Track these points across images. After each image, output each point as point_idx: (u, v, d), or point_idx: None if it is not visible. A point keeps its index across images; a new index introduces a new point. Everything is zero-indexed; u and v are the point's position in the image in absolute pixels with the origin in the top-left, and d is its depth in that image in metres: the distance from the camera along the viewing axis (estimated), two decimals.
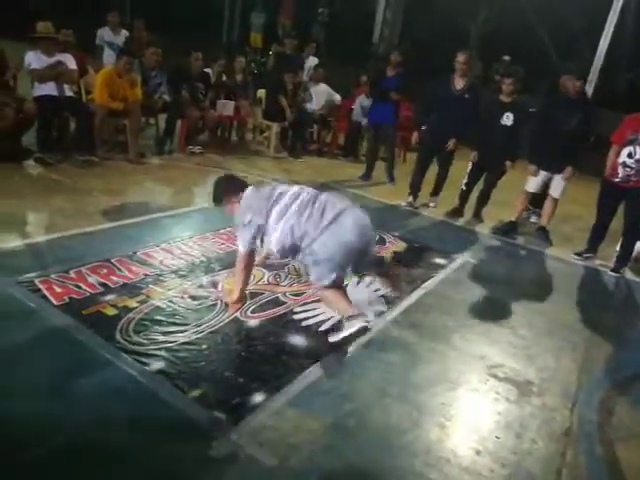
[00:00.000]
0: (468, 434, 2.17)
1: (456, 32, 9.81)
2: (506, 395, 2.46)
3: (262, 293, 3.02)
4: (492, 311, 3.30)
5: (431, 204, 5.39)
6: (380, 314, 2.99)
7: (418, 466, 1.95)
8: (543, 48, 9.85)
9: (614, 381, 2.77)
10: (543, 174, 4.70)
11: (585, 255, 4.48)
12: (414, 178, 5.33)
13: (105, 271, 2.95)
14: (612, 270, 4.30)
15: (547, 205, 4.82)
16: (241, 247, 2.72)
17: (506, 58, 9.37)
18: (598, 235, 4.46)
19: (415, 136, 5.40)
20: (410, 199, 5.33)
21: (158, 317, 2.59)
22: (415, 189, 5.33)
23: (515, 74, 4.85)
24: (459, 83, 4.89)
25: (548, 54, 9.79)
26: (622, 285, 4.19)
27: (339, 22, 11.61)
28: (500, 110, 4.80)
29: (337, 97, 7.38)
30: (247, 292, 2.94)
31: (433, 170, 5.36)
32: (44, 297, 2.59)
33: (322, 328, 2.75)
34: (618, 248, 4.35)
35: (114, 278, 2.89)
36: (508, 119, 4.77)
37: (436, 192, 5.42)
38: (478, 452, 2.07)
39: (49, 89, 4.84)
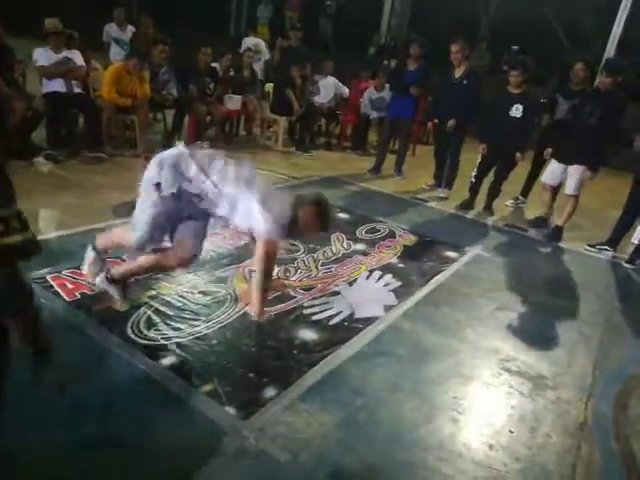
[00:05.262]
0: (481, 428, 2.15)
1: (466, 22, 9.68)
2: (519, 389, 2.43)
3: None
4: (504, 304, 3.26)
5: (441, 194, 5.37)
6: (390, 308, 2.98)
7: (431, 461, 1.93)
8: (556, 38, 9.70)
9: (629, 375, 2.72)
10: (558, 165, 4.60)
11: (599, 247, 4.42)
12: (435, 170, 5.64)
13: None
14: (627, 262, 4.24)
15: (566, 203, 4.64)
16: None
17: (515, 48, 9.26)
18: (624, 228, 4.36)
19: (431, 126, 5.48)
20: (432, 182, 5.65)
21: (169, 312, 2.59)
22: (438, 178, 5.61)
23: (522, 65, 4.76)
24: (458, 72, 5.13)
25: (561, 44, 9.64)
26: (637, 277, 4.13)
27: (347, 14, 11.52)
28: (509, 102, 4.74)
29: (345, 90, 7.33)
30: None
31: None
32: (56, 293, 2.60)
33: (332, 322, 2.74)
34: (633, 240, 4.28)
35: None
36: (517, 111, 4.71)
37: (447, 183, 5.40)
38: (491, 446, 2.05)
39: (57, 86, 4.85)
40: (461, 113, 5.06)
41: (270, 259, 2.46)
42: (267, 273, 2.51)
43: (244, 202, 2.30)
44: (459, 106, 5.01)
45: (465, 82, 5.06)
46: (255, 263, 2.51)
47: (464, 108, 5.03)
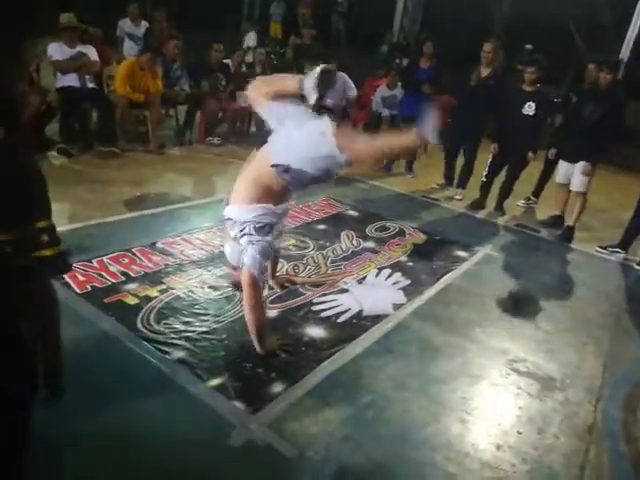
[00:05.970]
0: (489, 428, 2.14)
1: (479, 22, 9.62)
2: (528, 390, 2.42)
3: None
4: (514, 305, 3.25)
5: (456, 196, 5.34)
6: (399, 307, 2.98)
7: (438, 460, 1.93)
8: (570, 38, 9.60)
9: (639, 377, 2.71)
10: (565, 164, 4.60)
11: (610, 249, 4.38)
12: (445, 170, 5.59)
13: (126, 260, 2.99)
14: (638, 264, 4.20)
15: (574, 202, 4.62)
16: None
17: (528, 47, 9.20)
18: (636, 230, 4.30)
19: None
20: (442, 181, 5.62)
21: (178, 307, 2.61)
22: (448, 178, 5.58)
23: (538, 62, 4.73)
24: (484, 71, 4.97)
25: (575, 44, 9.54)
26: None
27: (359, 12, 11.50)
28: (522, 99, 4.71)
29: (353, 92, 7.28)
30: None
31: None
32: (67, 285, 2.63)
33: (340, 319, 2.75)
34: None
35: (135, 268, 2.93)
36: (530, 108, 4.67)
37: (460, 184, 5.37)
38: (499, 447, 2.04)
39: (71, 80, 4.90)
40: (485, 117, 4.96)
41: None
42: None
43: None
44: (483, 108, 4.85)
45: (491, 83, 4.93)
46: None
47: (488, 111, 4.90)
